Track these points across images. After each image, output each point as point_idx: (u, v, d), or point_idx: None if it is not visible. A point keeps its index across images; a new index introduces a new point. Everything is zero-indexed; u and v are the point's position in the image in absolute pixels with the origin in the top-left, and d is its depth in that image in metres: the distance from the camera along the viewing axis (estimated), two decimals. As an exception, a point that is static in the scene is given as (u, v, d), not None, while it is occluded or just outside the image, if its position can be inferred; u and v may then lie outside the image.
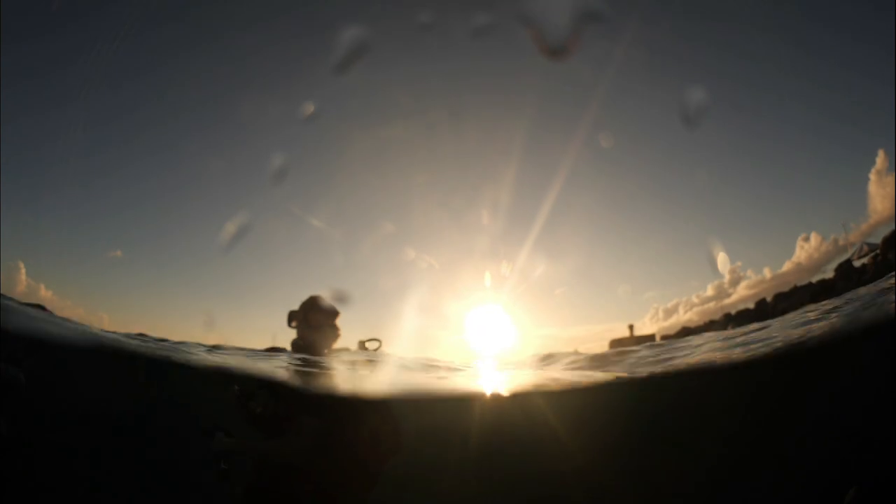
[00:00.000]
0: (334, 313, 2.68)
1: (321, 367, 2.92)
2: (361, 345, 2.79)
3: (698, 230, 6.05)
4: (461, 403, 4.36)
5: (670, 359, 3.95)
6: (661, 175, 5.87)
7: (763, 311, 4.69)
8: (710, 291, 5.45)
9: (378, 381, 3.05)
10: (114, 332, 3.59)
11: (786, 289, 4.82)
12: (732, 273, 5.49)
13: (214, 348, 3.58)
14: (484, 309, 4.67)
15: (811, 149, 5.86)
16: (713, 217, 6.06)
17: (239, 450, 2.47)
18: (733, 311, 5.13)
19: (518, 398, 4.47)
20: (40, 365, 3.49)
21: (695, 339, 4.13)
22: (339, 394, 2.63)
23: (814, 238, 5.21)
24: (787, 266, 5.28)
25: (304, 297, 2.71)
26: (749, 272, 5.41)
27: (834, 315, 3.58)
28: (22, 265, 4.30)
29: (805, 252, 5.23)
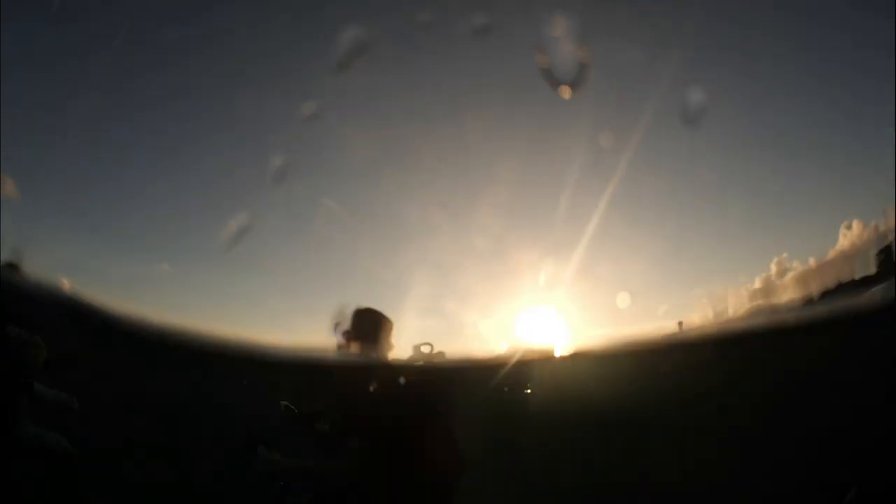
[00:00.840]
0: (391, 327, 2.57)
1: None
2: (417, 349, 2.73)
3: (742, 221, 5.90)
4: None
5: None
6: (694, 170, 5.71)
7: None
8: (757, 284, 5.37)
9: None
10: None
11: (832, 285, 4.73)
12: (779, 265, 5.39)
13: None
14: (534, 310, 4.69)
15: (849, 133, 5.63)
16: (755, 208, 5.90)
17: (289, 467, 2.30)
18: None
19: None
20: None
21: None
22: (404, 410, 2.54)
23: (856, 225, 5.07)
24: (831, 254, 5.16)
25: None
26: (794, 263, 5.28)
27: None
28: (66, 282, 4.16)
29: (848, 240, 5.11)
